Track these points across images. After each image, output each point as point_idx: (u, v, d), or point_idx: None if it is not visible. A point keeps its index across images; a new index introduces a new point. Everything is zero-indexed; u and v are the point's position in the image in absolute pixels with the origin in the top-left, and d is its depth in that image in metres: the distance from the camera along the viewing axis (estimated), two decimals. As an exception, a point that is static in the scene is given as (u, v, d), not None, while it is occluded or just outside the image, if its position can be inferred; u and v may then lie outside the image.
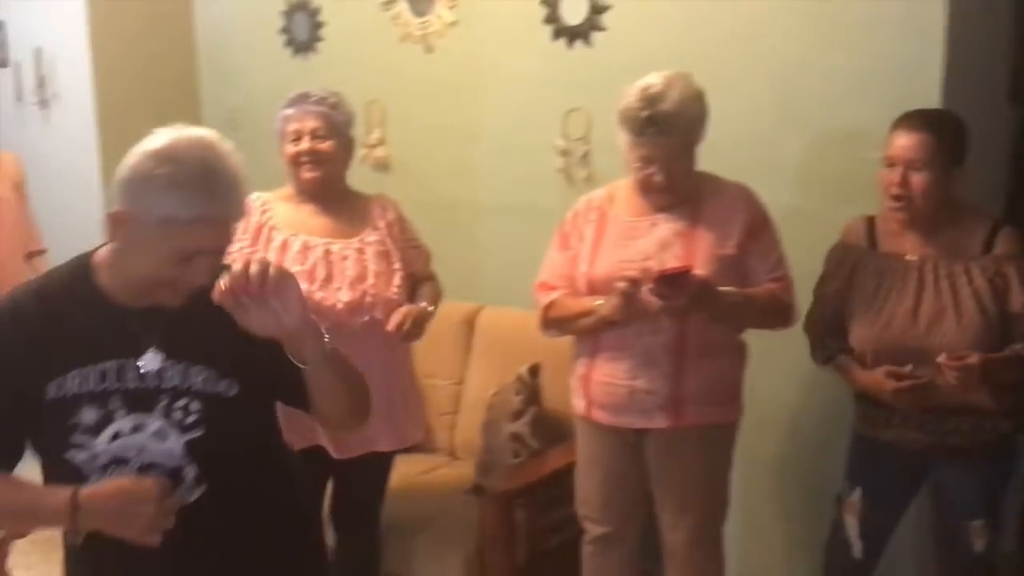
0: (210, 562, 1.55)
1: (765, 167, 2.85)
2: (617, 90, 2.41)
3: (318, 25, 4.17)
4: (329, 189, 2.66)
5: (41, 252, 3.85)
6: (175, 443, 1.49)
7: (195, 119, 4.80)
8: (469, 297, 3.63)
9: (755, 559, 3.06)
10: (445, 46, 3.72)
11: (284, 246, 2.59)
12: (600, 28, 3.25)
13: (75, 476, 1.48)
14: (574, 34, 3.31)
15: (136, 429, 1.49)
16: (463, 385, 3.49)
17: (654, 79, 2.29)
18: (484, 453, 3.00)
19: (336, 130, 2.62)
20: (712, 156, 2.46)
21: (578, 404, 2.52)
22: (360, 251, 2.61)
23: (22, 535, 3.07)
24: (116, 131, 4.83)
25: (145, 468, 1.49)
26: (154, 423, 1.49)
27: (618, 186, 2.50)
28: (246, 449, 1.57)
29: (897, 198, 2.31)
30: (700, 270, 2.24)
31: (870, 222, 2.46)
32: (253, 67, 4.51)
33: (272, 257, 2.54)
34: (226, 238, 1.49)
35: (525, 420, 2.94)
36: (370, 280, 2.57)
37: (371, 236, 2.65)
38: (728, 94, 2.69)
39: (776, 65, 2.91)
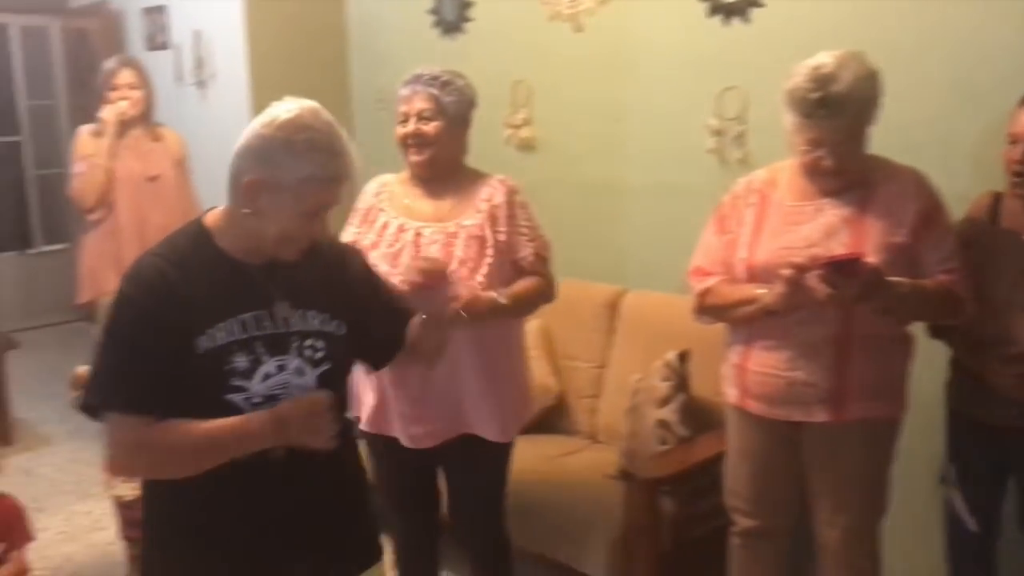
0: (309, 475, 1.74)
1: (938, 150, 2.70)
2: (776, 68, 2.31)
3: (467, 5, 4.18)
4: (438, 172, 2.55)
5: None
6: (310, 377, 1.73)
7: (345, 100, 4.96)
8: (613, 279, 3.59)
9: (915, 558, 2.92)
10: (595, 24, 3.67)
11: (383, 228, 2.55)
12: (759, 4, 3.15)
13: (231, 414, 1.65)
14: (731, 11, 3.21)
15: (280, 368, 1.70)
16: (605, 369, 3.46)
17: (825, 58, 2.18)
18: (629, 439, 2.96)
19: (444, 111, 2.49)
20: (882, 138, 2.34)
21: (731, 393, 2.45)
22: (452, 236, 2.48)
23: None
24: (269, 111, 5.00)
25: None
26: (293, 362, 1.71)
27: (780, 168, 2.40)
28: (345, 382, 1.86)
29: (1018, 174, 2.29)
30: (870, 259, 2.13)
31: (997, 198, 2.40)
32: (402, 48, 4.57)
33: (372, 238, 2.54)
34: (341, 195, 1.69)
35: (673, 407, 2.88)
36: (452, 266, 2.43)
37: (468, 220, 2.50)
38: (896, 72, 2.53)
39: (948, 40, 2.74)
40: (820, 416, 2.29)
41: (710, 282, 2.39)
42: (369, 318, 1.85)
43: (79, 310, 4.02)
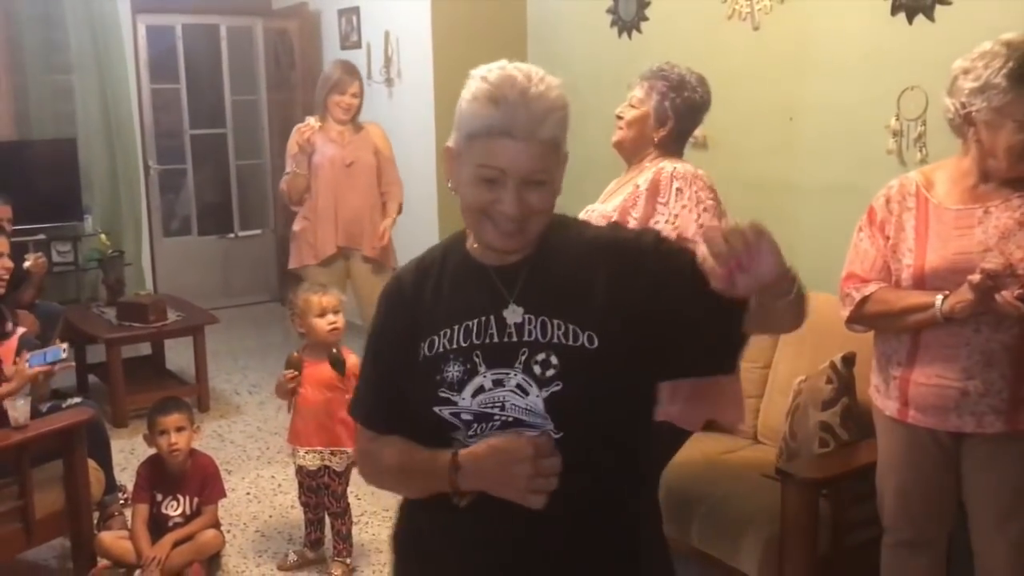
0: (550, 531, 1.43)
1: None
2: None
3: (645, 4, 4.23)
4: (629, 156, 2.72)
5: (397, 202, 4.53)
6: (535, 398, 1.41)
7: (522, 97, 5.10)
8: (782, 280, 3.55)
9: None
10: (772, 22, 3.65)
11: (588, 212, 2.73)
12: (945, 2, 3.05)
13: (443, 430, 1.46)
14: (915, 8, 3.12)
15: (497, 384, 1.43)
16: (771, 369, 3.43)
17: (1005, 36, 2.13)
18: (789, 439, 2.94)
19: (649, 101, 2.67)
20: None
21: (888, 405, 2.38)
22: (596, 217, 2.60)
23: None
24: (450, 109, 5.20)
25: (510, 424, 1.42)
26: (514, 377, 1.43)
27: (933, 169, 2.33)
28: (600, 410, 1.44)
29: None
30: None
31: None
32: (579, 47, 4.66)
33: None
34: (531, 163, 1.39)
35: (835, 410, 2.84)
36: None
37: (612, 204, 2.65)
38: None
39: None
40: (994, 427, 2.22)
41: (870, 289, 2.32)
42: (674, 325, 1.40)
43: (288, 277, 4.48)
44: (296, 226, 4.56)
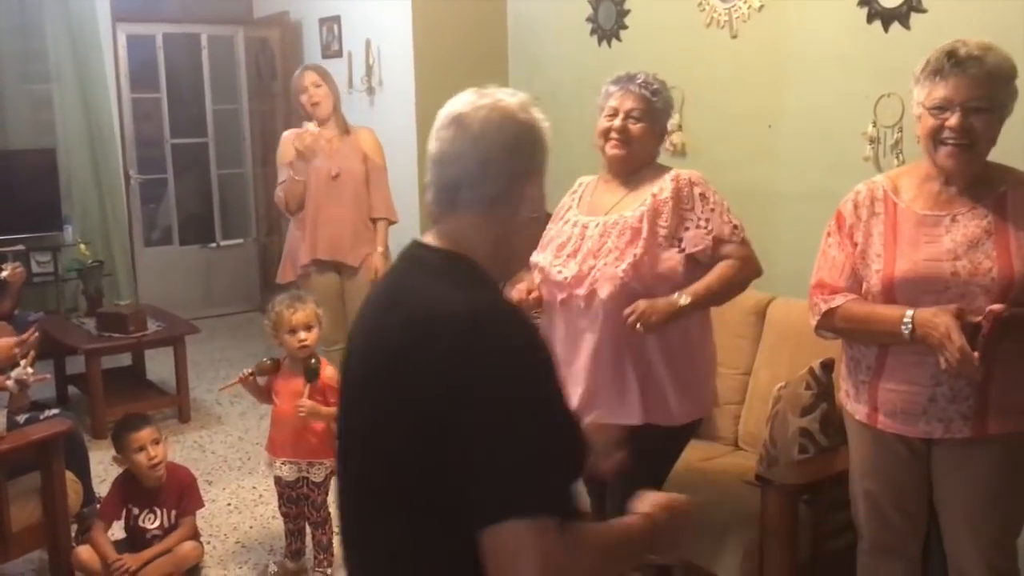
0: None
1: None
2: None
3: (624, 13, 4.25)
4: (629, 167, 2.69)
5: (386, 220, 4.40)
6: None
7: (502, 105, 5.10)
8: (761, 286, 3.55)
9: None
10: (750, 31, 3.67)
11: (564, 223, 2.72)
12: (920, 10, 3.07)
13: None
14: (891, 16, 3.15)
15: None
16: (751, 376, 3.44)
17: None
18: (769, 445, 2.94)
19: (652, 115, 2.63)
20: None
21: (858, 410, 2.38)
22: (611, 226, 2.60)
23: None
24: (431, 117, 5.20)
25: None
26: None
27: (900, 174, 2.35)
28: None
29: None
30: (1019, 268, 2.09)
31: None
32: (558, 55, 4.68)
33: (553, 233, 2.71)
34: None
35: (815, 416, 2.85)
36: (601, 257, 2.56)
37: (629, 211, 2.59)
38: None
39: None
40: (962, 432, 2.22)
41: (837, 301, 2.31)
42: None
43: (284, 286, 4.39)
44: (287, 237, 4.52)
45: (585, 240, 2.62)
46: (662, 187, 2.60)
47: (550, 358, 1.30)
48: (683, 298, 2.49)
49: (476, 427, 1.21)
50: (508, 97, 1.41)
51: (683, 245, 2.56)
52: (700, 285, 2.54)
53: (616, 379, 2.58)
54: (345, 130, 4.40)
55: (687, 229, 2.57)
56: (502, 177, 1.37)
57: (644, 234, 2.54)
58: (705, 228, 2.57)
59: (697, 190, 2.60)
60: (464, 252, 1.38)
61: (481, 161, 1.36)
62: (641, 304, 2.47)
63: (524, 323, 1.31)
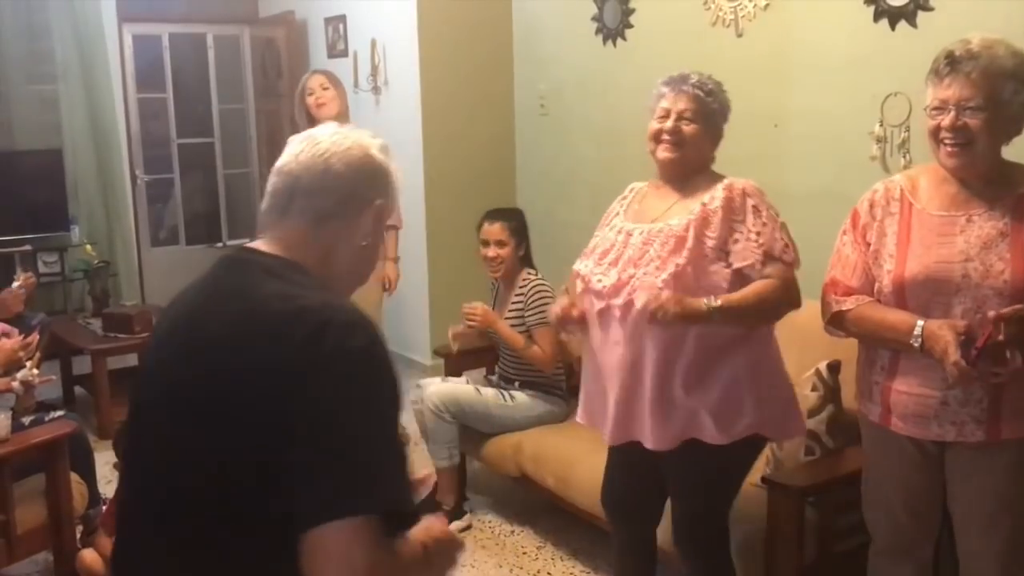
0: None
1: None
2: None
3: (629, 12, 4.23)
4: (682, 172, 2.52)
5: (394, 228, 4.24)
6: None
7: (509, 105, 5.10)
8: (768, 287, 3.55)
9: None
10: (756, 30, 3.65)
11: (610, 228, 2.59)
12: (927, 8, 3.06)
13: None
14: (898, 15, 3.13)
15: None
16: (757, 376, 3.42)
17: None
18: (775, 447, 2.93)
19: (705, 117, 2.49)
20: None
21: (871, 410, 2.37)
22: (655, 234, 2.44)
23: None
24: (437, 116, 5.20)
25: None
26: None
27: (917, 173, 2.32)
28: None
29: None
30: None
31: None
32: (563, 54, 4.66)
33: (598, 240, 2.59)
34: None
35: (821, 417, 2.84)
36: (641, 266, 2.41)
37: (675, 219, 2.43)
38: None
39: None
40: (975, 436, 2.20)
41: (848, 304, 2.30)
42: None
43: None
44: None
45: (627, 248, 2.47)
46: (713, 196, 2.42)
47: (390, 363, 1.27)
48: (713, 300, 2.31)
49: (308, 425, 1.18)
50: (369, 138, 1.43)
51: (731, 259, 2.38)
52: (735, 295, 2.34)
53: (652, 396, 2.43)
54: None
55: (736, 242, 2.38)
56: (339, 192, 1.37)
57: (689, 244, 2.38)
58: (756, 241, 2.38)
59: (750, 201, 2.42)
60: (296, 260, 1.36)
61: (321, 171, 1.36)
62: (665, 293, 2.31)
63: (365, 324, 1.27)
